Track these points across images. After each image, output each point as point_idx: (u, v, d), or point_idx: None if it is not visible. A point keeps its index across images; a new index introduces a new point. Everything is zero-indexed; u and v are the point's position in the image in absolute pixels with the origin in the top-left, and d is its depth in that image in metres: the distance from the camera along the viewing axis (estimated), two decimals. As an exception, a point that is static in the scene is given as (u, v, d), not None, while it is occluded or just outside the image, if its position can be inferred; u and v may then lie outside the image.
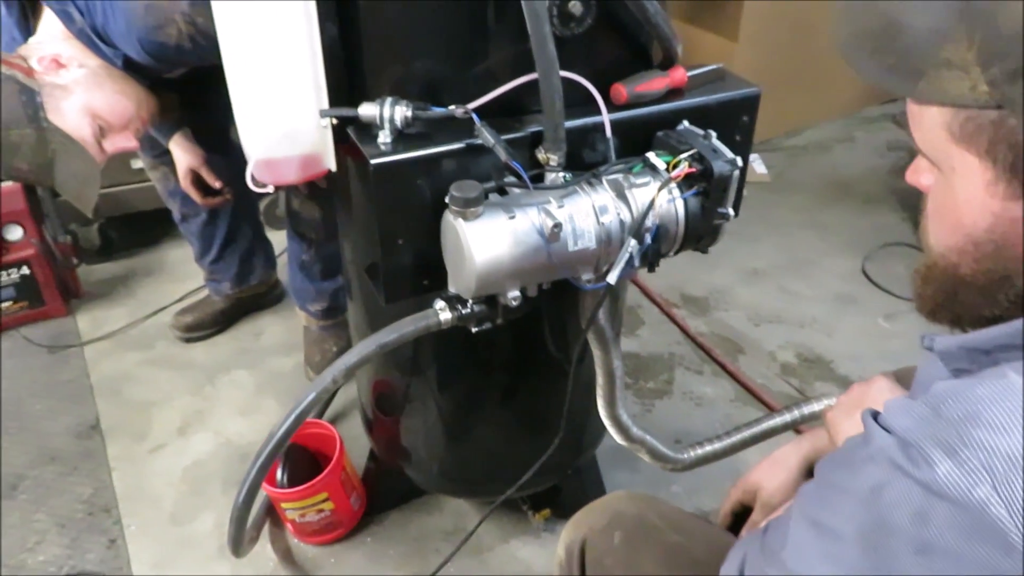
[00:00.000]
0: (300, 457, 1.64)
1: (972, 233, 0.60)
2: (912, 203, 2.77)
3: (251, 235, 2.22)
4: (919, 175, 0.67)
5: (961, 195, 0.59)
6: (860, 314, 2.31)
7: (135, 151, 2.05)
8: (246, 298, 2.31)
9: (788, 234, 2.68)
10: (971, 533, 0.49)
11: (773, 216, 2.75)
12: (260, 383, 2.12)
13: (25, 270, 2.24)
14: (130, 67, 1.48)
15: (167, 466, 1.88)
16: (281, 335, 2.29)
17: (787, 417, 1.33)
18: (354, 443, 1.76)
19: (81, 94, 1.44)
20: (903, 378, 0.98)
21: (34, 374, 2.16)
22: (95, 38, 1.43)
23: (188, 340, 2.27)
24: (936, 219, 0.64)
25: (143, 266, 2.59)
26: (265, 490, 1.56)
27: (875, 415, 0.59)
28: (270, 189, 1.13)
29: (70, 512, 1.77)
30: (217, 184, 1.93)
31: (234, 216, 2.13)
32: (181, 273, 2.51)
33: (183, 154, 1.87)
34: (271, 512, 1.69)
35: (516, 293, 0.97)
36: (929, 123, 0.59)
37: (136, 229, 2.63)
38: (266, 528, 1.69)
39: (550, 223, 0.92)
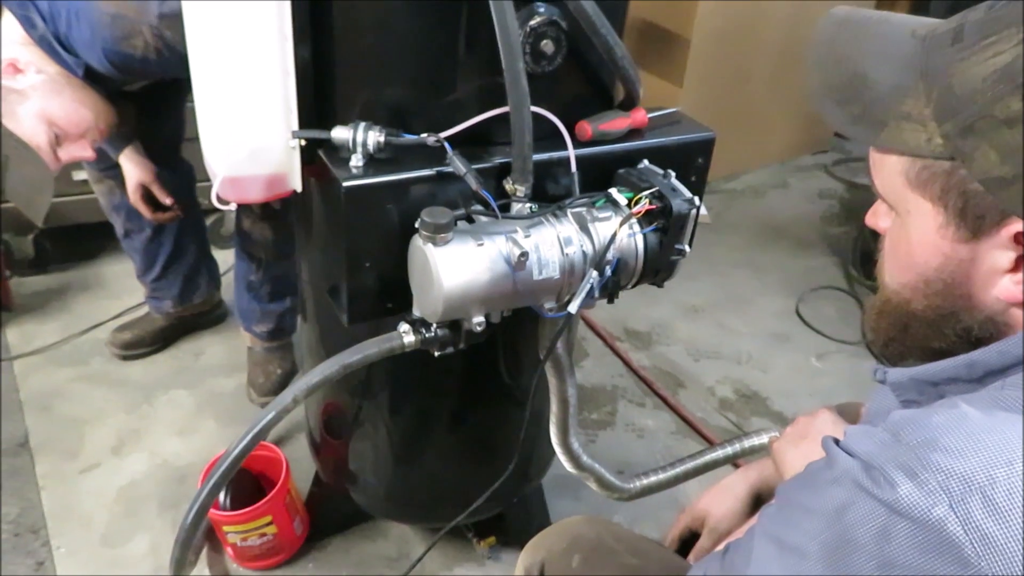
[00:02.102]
0: (243, 479, 1.62)
1: (924, 272, 0.65)
2: (842, 249, 2.91)
3: (196, 252, 2.18)
4: (878, 218, 0.73)
5: (915, 236, 0.65)
6: (793, 352, 2.40)
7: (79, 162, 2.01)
8: (188, 317, 2.27)
9: (725, 273, 2.77)
10: (930, 549, 0.53)
11: (711, 255, 2.84)
12: (200, 403, 2.08)
13: (-46, 279, 2.16)
14: (90, 76, 1.46)
15: (100, 486, 1.82)
16: (223, 355, 2.25)
17: (728, 450, 1.38)
18: (297, 466, 1.74)
19: (38, 100, 1.41)
20: (844, 412, 1.03)
21: (-43, 388, 2.08)
22: (56, 45, 1.41)
23: (125, 358, 2.21)
24: (891, 258, 0.70)
25: (79, 280, 2.51)
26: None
27: (836, 441, 0.63)
28: (232, 207, 1.13)
29: (-6, 532, 1.70)
30: (167, 200, 1.90)
31: (180, 233, 2.09)
32: (119, 288, 2.45)
33: (134, 168, 1.84)
34: (210, 535, 1.65)
35: (481, 319, 1.00)
36: (889, 170, 0.65)
37: (73, 242, 2.55)
38: (204, 552, 1.66)
39: (517, 252, 0.95)
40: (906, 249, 0.67)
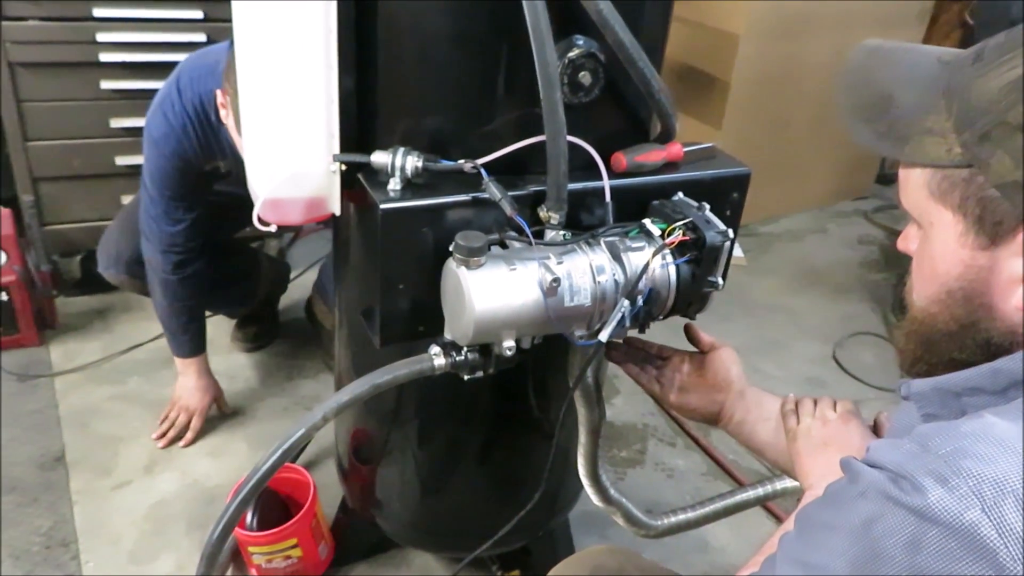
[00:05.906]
0: (270, 501, 1.63)
1: (946, 282, 0.67)
2: (881, 296, 2.87)
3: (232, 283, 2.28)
4: (908, 242, 0.75)
5: (937, 247, 0.67)
6: (829, 398, 2.36)
7: None
8: (264, 297, 2.41)
9: (761, 316, 2.74)
10: (962, 555, 0.52)
11: (747, 298, 2.82)
12: (232, 425, 2.11)
13: (3, 296, 2.22)
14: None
15: (130, 503, 1.84)
16: (256, 379, 2.28)
17: (760, 491, 1.36)
18: (324, 492, 1.74)
19: None
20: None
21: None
22: None
23: (251, 350, 2.38)
24: (918, 273, 0.71)
25: (122, 302, 2.56)
26: (234, 532, 1.53)
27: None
28: (273, 228, 1.15)
29: (26, 544, 1.72)
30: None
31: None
32: (161, 311, 2.50)
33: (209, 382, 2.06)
34: (236, 556, 1.66)
35: (511, 343, 1.00)
36: (913, 184, 0.68)
37: (118, 265, 2.62)
38: (229, 572, 1.66)
39: (549, 277, 0.96)
40: (930, 261, 0.68)
